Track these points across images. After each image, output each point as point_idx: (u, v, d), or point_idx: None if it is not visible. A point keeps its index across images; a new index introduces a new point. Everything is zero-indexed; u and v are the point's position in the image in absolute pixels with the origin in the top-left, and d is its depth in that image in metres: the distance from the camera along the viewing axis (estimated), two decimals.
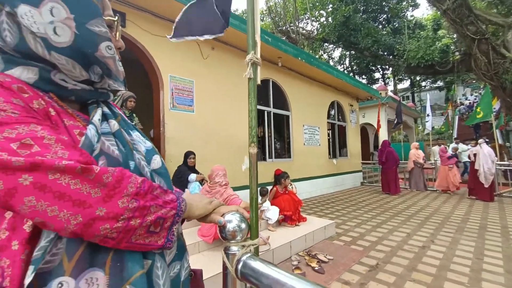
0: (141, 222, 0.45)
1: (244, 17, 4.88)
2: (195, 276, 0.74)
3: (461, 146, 9.86)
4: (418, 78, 22.50)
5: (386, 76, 24.04)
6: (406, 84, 25.55)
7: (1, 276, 0.41)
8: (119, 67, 0.57)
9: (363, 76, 23.06)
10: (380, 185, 7.70)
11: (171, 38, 1.38)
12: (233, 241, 0.69)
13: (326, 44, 18.62)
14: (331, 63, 21.80)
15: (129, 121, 0.66)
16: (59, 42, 0.47)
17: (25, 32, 0.46)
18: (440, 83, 22.63)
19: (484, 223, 4.15)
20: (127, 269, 0.46)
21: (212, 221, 0.66)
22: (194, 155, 3.68)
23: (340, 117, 9.00)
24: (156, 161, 0.62)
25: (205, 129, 4.50)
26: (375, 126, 10.88)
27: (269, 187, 4.15)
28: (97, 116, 0.53)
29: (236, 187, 4.03)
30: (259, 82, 0.77)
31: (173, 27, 1.41)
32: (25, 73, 0.47)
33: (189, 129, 4.27)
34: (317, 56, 15.21)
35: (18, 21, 0.45)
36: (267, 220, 3.27)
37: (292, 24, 16.38)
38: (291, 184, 3.95)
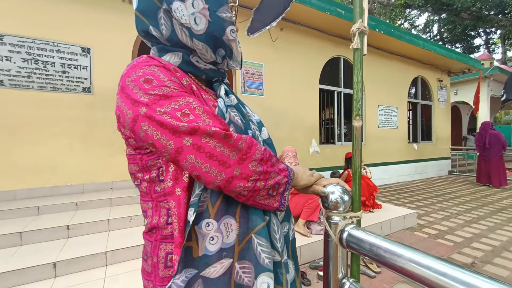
0: (264, 185, 0.52)
1: None
2: None
3: None
4: None
5: (491, 42, 19.11)
6: None
7: (166, 215, 0.55)
8: (239, 48, 0.63)
9: (457, 45, 18.95)
10: (475, 175, 6.44)
11: (248, 34, 1.42)
12: (335, 212, 0.73)
13: (408, 10, 15.90)
14: (414, 32, 18.60)
15: (238, 97, 0.75)
16: (198, 30, 0.56)
17: (175, 24, 0.58)
18: None
19: None
20: (251, 220, 0.55)
21: (315, 192, 0.71)
22: None
23: (425, 95, 7.77)
24: (265, 132, 0.70)
25: (274, 112, 4.60)
26: (472, 104, 8.97)
27: (340, 171, 4.02)
28: (222, 91, 0.63)
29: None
30: (365, 52, 0.75)
31: (250, 21, 1.44)
32: (173, 58, 0.59)
33: (259, 112, 4.43)
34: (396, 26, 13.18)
35: (171, 16, 0.57)
36: None
37: None
38: (364, 168, 3.73)
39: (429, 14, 17.45)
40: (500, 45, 18.53)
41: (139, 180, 0.60)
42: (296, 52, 4.90)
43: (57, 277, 1.89)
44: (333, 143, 5.68)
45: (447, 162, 8.20)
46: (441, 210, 4.04)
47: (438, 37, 19.11)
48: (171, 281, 0.51)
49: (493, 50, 19.41)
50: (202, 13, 0.56)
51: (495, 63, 10.68)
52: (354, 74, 0.78)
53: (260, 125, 0.71)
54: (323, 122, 6.86)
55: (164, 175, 0.55)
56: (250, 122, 0.65)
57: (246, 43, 4.33)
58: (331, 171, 4.14)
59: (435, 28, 19.28)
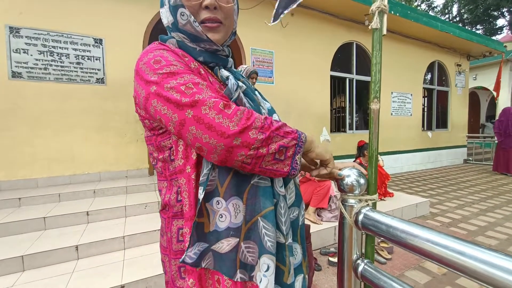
0: (267, 150, 0.52)
1: None
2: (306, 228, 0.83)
3: None
4: None
5: None
6: None
7: (176, 192, 0.60)
8: (197, 27, 0.59)
9: (478, 27, 17.92)
10: (492, 163, 6.25)
11: (272, 22, 1.38)
12: (350, 195, 0.74)
13: None
14: (432, 14, 17.66)
15: (250, 83, 0.76)
16: (166, 23, 0.64)
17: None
18: None
19: None
20: (259, 204, 0.57)
21: (331, 174, 0.71)
22: None
23: (442, 80, 7.46)
24: (276, 118, 0.71)
25: (284, 100, 4.55)
26: (492, 90, 8.56)
27: (351, 160, 3.98)
28: (226, 73, 0.63)
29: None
30: (385, 32, 0.73)
31: (274, 10, 1.40)
32: (171, 45, 0.63)
33: (269, 100, 4.39)
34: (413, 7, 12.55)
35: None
36: None
37: None
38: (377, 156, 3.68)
39: None
40: None
41: (155, 160, 0.65)
42: (307, 38, 4.78)
43: (79, 259, 2.01)
44: (344, 131, 5.60)
45: (462, 151, 7.96)
46: (455, 198, 3.97)
47: (457, 18, 18.13)
48: (184, 254, 0.56)
49: None
50: (167, 8, 0.62)
51: None
52: (372, 55, 0.76)
53: (271, 111, 0.72)
54: (334, 110, 6.74)
55: (175, 154, 0.59)
56: (260, 107, 0.66)
57: (256, 31, 4.25)
58: (345, 159, 4.12)
59: (455, 9, 18.26)
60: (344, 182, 0.73)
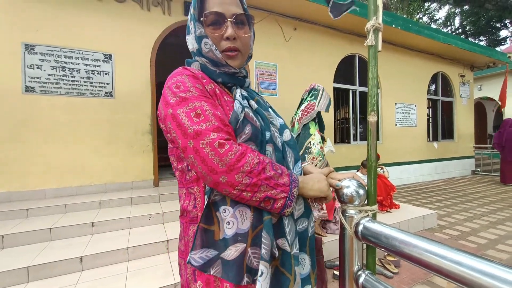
0: (251, 196, 0.57)
1: None
2: (316, 241, 0.84)
3: None
4: None
5: None
6: None
7: (194, 199, 0.65)
8: (218, 55, 0.67)
9: (481, 38, 17.97)
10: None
11: (333, 18, 1.36)
12: (350, 205, 0.75)
13: (427, 3, 15.32)
14: (434, 26, 17.86)
15: (266, 100, 0.81)
16: (192, 49, 0.72)
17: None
18: None
19: None
20: (264, 213, 0.60)
21: (331, 185, 0.73)
22: None
23: (446, 91, 7.46)
24: (287, 134, 0.75)
25: (288, 112, 4.58)
26: (498, 100, 8.50)
27: (355, 171, 3.96)
28: (238, 94, 0.70)
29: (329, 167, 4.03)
30: (380, 48, 0.77)
31: (330, 6, 1.36)
32: (195, 67, 0.71)
33: None
34: (414, 21, 12.75)
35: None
36: None
37: None
38: (382, 168, 3.66)
39: (450, 6, 16.71)
40: None
41: (175, 169, 0.71)
42: (310, 51, 4.88)
43: (83, 270, 2.01)
44: (349, 142, 5.59)
45: (470, 161, 7.82)
46: (464, 211, 3.88)
47: (460, 30, 18.23)
48: (189, 255, 0.60)
49: None
50: (193, 37, 0.70)
51: None
52: (368, 70, 0.79)
53: (283, 127, 0.76)
54: (338, 121, 6.76)
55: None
56: (270, 125, 0.70)
57: (259, 44, 4.37)
58: (349, 171, 4.10)
59: (457, 21, 18.39)
60: (343, 192, 0.74)
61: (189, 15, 0.71)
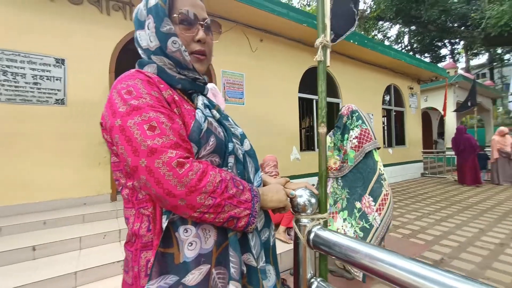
0: (214, 217, 0.53)
1: (291, 4, 4.78)
2: None
3: None
4: (499, 51, 18.74)
5: (455, 51, 20.70)
6: (482, 59, 21.58)
7: (147, 221, 0.58)
8: (186, 56, 0.62)
9: (426, 55, 20.30)
10: (446, 176, 6.89)
11: (333, 42, 1.37)
12: (303, 214, 0.78)
13: (380, 22, 16.91)
14: (387, 43, 19.73)
15: (223, 110, 0.78)
16: (152, 46, 0.63)
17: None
18: None
19: None
20: (228, 229, 0.57)
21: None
22: None
23: (397, 102, 8.23)
24: (247, 144, 0.73)
25: (255, 121, 4.66)
26: (440, 110, 9.62)
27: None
28: (200, 102, 0.65)
29: (285, 177, 4.12)
30: (328, 64, 0.83)
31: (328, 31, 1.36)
32: (150, 69, 0.63)
33: (240, 121, 4.43)
34: (370, 37, 13.95)
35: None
36: None
37: None
38: None
39: (400, 26, 18.65)
40: (463, 54, 20.10)
41: (121, 187, 0.63)
42: (276, 62, 5.04)
43: None
44: (313, 149, 5.84)
45: (419, 165, 8.66)
46: (414, 210, 4.26)
47: (408, 47, 20.40)
48: (145, 287, 0.51)
49: (457, 60, 21.01)
50: (153, 32, 0.62)
51: (460, 71, 11.56)
52: (318, 84, 0.85)
53: (243, 137, 0.74)
54: (304, 129, 7.03)
55: None
56: (232, 136, 0.67)
57: (226, 53, 4.40)
58: (313, 177, 4.26)
59: (406, 39, 20.58)
60: (297, 202, 0.77)
61: (148, 8, 0.63)
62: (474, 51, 18.76)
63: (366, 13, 15.90)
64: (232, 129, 0.70)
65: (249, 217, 0.56)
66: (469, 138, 6.50)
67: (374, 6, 15.46)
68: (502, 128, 6.68)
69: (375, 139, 1.87)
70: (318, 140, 0.82)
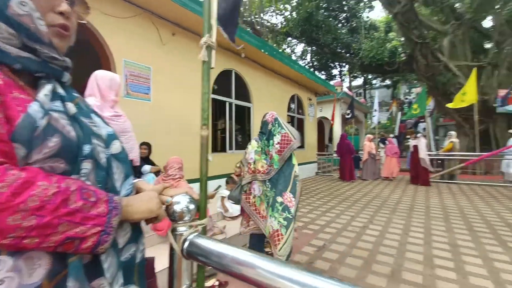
0: (39, 242, 0.41)
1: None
2: (147, 264, 0.76)
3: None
4: (370, 76, 24.55)
5: (343, 73, 25.66)
6: (359, 81, 27.63)
7: None
8: (40, 26, 0.49)
9: (323, 72, 24.20)
10: (333, 174, 8.43)
11: (232, 42, 1.23)
12: (181, 222, 0.73)
13: (289, 38, 19.04)
14: (294, 57, 22.38)
15: (89, 104, 0.65)
16: None
17: None
18: (388, 82, 25.07)
19: (428, 204, 4.86)
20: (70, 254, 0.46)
21: (161, 202, 0.69)
22: (147, 145, 3.49)
23: (299, 110, 9.42)
24: (116, 146, 0.63)
25: (164, 118, 4.33)
26: (331, 119, 11.68)
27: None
28: (43, 92, 0.50)
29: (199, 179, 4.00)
30: (213, 65, 0.81)
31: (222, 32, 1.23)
32: None
33: (146, 118, 4.06)
34: (280, 50, 15.50)
35: None
36: (227, 210, 3.35)
37: (257, 16, 16.34)
38: None
39: (304, 45, 21.55)
40: (347, 76, 25.17)
41: None
42: (188, 59, 4.84)
43: None
44: (225, 151, 5.94)
45: (314, 165, 10.22)
46: (308, 205, 4.97)
47: (311, 64, 23.80)
48: None
49: (343, 80, 26.10)
50: None
51: (344, 89, 14.46)
52: (202, 85, 0.82)
53: (110, 138, 0.63)
54: (216, 131, 7.06)
55: None
56: (92, 136, 0.56)
57: (131, 42, 3.90)
58: (224, 178, 4.30)
59: (309, 56, 23.98)
60: (173, 209, 0.72)
61: None
62: (354, 74, 23.85)
63: (278, 27, 17.59)
64: (94, 128, 0.58)
65: (99, 235, 0.47)
66: (348, 143, 8.23)
67: (284, 22, 17.30)
68: (368, 135, 8.77)
69: (295, 139, 2.07)
70: (200, 144, 0.80)
